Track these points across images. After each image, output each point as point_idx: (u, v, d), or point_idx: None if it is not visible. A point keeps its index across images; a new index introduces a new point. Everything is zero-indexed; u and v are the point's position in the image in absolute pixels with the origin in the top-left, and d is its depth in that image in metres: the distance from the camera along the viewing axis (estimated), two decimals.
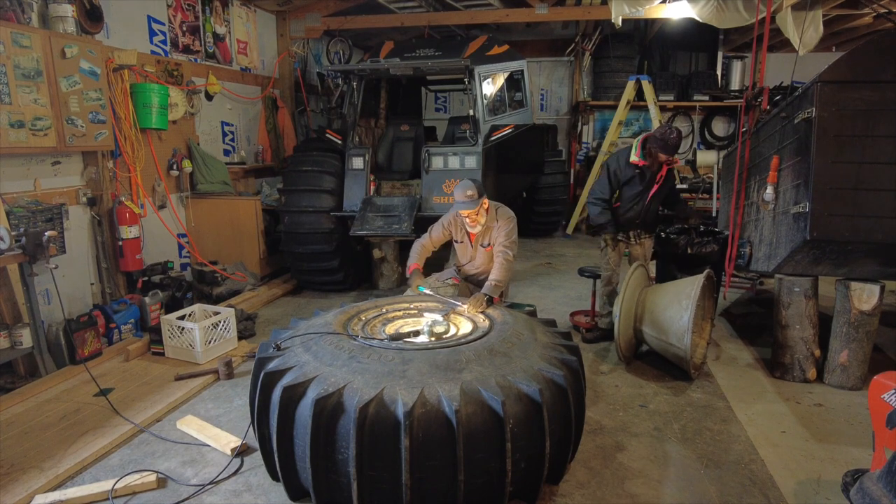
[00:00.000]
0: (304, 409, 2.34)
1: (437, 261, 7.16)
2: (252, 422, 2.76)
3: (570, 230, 9.45)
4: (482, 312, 3.16)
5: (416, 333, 2.97)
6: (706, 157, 9.31)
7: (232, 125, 6.90)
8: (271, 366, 2.60)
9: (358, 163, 5.70)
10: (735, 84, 9.93)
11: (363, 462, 2.24)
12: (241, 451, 3.03)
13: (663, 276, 4.97)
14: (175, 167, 5.67)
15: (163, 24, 5.66)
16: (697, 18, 6.65)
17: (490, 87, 6.03)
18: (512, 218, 3.77)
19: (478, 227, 3.77)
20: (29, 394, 3.64)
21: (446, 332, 3.00)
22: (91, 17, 4.65)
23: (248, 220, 5.97)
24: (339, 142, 5.85)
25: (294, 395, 2.40)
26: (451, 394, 2.29)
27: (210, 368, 4.01)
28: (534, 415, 2.40)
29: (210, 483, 2.79)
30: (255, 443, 2.87)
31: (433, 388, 2.33)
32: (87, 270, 4.74)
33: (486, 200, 3.70)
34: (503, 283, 3.56)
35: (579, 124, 10.54)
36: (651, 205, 4.36)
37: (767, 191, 3.77)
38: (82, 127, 4.31)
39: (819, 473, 2.88)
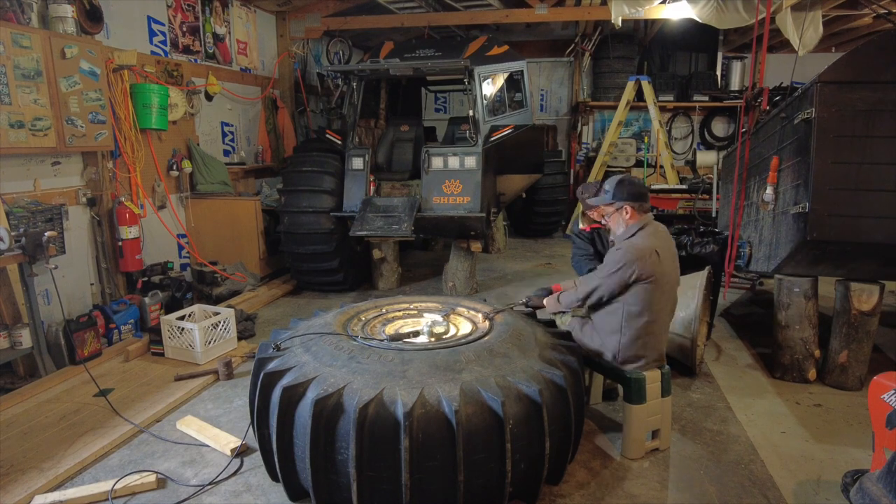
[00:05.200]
0: (304, 410, 2.34)
1: (437, 262, 7.18)
2: (252, 422, 2.76)
3: (569, 230, 9.46)
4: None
5: (416, 334, 2.96)
6: (706, 158, 9.35)
7: (232, 125, 6.90)
8: (271, 366, 2.60)
9: (358, 163, 5.70)
10: (735, 84, 9.94)
11: (363, 462, 2.24)
12: (241, 452, 3.03)
13: None
14: (175, 167, 5.67)
15: (163, 24, 5.66)
16: (697, 19, 6.65)
17: (490, 88, 6.02)
18: (625, 247, 2.84)
19: (616, 230, 3.07)
20: (28, 394, 3.64)
21: (446, 332, 3.00)
22: (91, 18, 4.65)
23: (248, 220, 5.98)
24: (339, 142, 5.85)
25: (294, 395, 2.40)
26: (451, 394, 2.29)
27: (210, 369, 4.01)
28: (533, 415, 2.40)
29: (210, 483, 2.79)
30: (254, 443, 2.87)
31: (433, 388, 2.33)
32: (86, 271, 4.74)
33: (629, 209, 2.94)
34: (564, 307, 3.09)
35: (579, 125, 10.55)
36: None
37: (767, 191, 3.77)
38: (82, 127, 4.31)
39: (819, 474, 2.88)
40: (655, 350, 2.97)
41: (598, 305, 3.04)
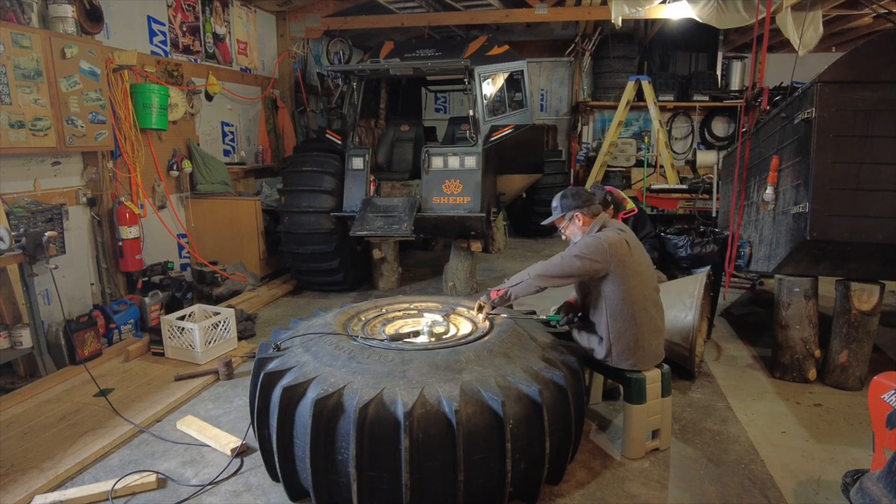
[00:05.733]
0: (304, 410, 2.34)
1: (437, 262, 7.18)
2: (252, 422, 2.76)
3: None
4: (486, 315, 3.07)
5: (416, 334, 2.96)
6: (706, 158, 9.35)
7: (232, 125, 6.90)
8: (271, 366, 2.60)
9: (358, 163, 5.70)
10: (735, 84, 9.94)
11: (363, 462, 2.24)
12: (241, 452, 3.03)
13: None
14: (175, 167, 5.67)
15: (163, 24, 5.66)
16: (697, 19, 6.65)
17: (490, 88, 6.02)
18: (595, 237, 2.90)
19: (574, 240, 3.08)
20: (29, 394, 3.64)
21: (446, 332, 3.00)
22: (91, 18, 4.65)
23: (248, 220, 5.98)
24: (339, 142, 5.85)
25: (294, 395, 2.40)
26: (451, 394, 2.29)
27: (210, 369, 4.01)
28: (533, 415, 2.40)
29: (210, 483, 2.79)
30: (254, 443, 2.87)
31: (433, 388, 2.33)
32: (86, 271, 4.74)
33: (580, 216, 3.00)
34: (508, 284, 3.00)
35: (579, 124, 10.55)
36: None
37: (767, 191, 3.78)
38: (82, 127, 4.31)
39: (819, 474, 2.88)
40: (649, 344, 2.92)
41: (585, 306, 3.05)
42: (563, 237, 3.15)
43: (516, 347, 2.69)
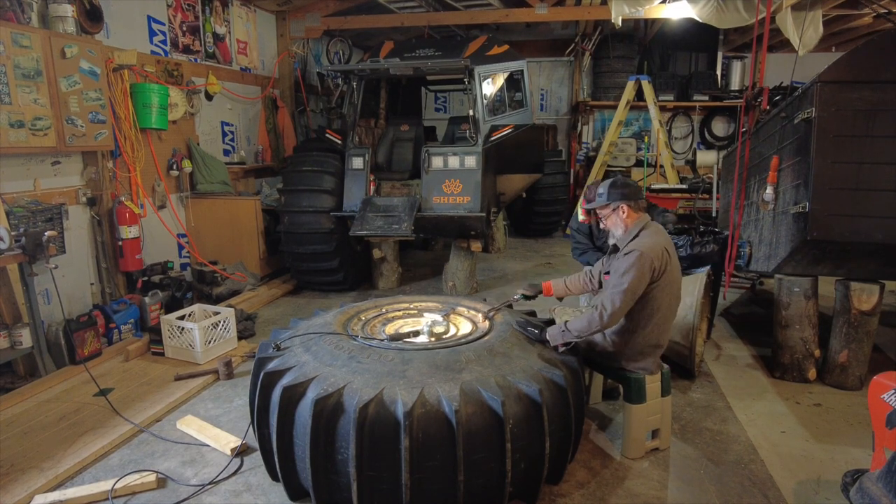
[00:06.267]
0: (304, 410, 2.34)
1: (437, 262, 7.18)
2: (252, 422, 2.76)
3: (569, 230, 9.45)
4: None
5: (416, 333, 2.97)
6: (706, 157, 9.35)
7: (232, 125, 6.90)
8: (271, 366, 2.60)
9: (358, 163, 5.70)
10: (735, 84, 9.94)
11: (363, 462, 2.24)
12: (241, 451, 3.03)
13: None
14: (175, 167, 5.67)
15: (163, 24, 5.66)
16: (697, 18, 6.65)
17: (490, 87, 6.02)
18: (637, 254, 2.75)
19: (616, 232, 3.02)
20: (29, 394, 3.64)
21: (446, 332, 3.00)
22: (91, 17, 4.65)
23: (248, 220, 5.98)
24: (339, 142, 5.85)
25: (294, 395, 2.40)
26: (451, 394, 2.29)
27: (210, 368, 4.01)
28: (533, 415, 2.40)
29: (210, 483, 2.79)
30: (254, 443, 2.87)
31: (433, 388, 2.33)
32: (86, 270, 4.74)
33: (625, 208, 2.92)
34: (575, 335, 2.78)
35: (579, 124, 10.55)
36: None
37: (767, 191, 3.77)
38: (82, 127, 4.31)
39: (819, 473, 2.89)
40: (659, 350, 2.97)
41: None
42: (602, 226, 3.08)
43: (516, 347, 2.69)
